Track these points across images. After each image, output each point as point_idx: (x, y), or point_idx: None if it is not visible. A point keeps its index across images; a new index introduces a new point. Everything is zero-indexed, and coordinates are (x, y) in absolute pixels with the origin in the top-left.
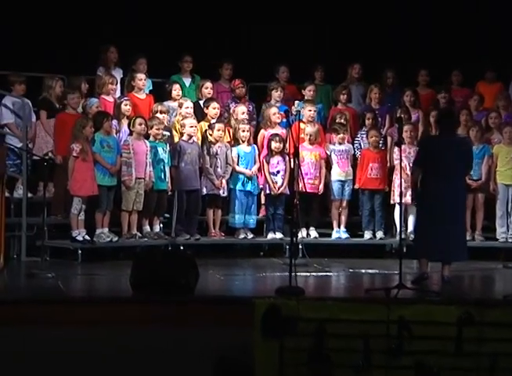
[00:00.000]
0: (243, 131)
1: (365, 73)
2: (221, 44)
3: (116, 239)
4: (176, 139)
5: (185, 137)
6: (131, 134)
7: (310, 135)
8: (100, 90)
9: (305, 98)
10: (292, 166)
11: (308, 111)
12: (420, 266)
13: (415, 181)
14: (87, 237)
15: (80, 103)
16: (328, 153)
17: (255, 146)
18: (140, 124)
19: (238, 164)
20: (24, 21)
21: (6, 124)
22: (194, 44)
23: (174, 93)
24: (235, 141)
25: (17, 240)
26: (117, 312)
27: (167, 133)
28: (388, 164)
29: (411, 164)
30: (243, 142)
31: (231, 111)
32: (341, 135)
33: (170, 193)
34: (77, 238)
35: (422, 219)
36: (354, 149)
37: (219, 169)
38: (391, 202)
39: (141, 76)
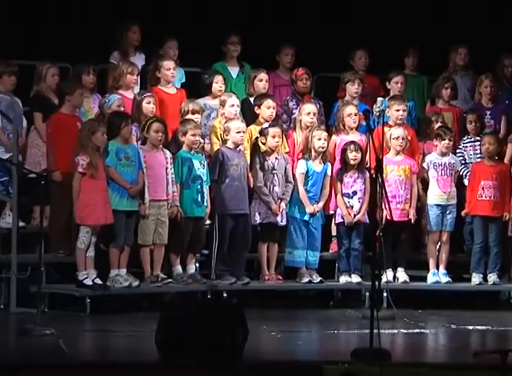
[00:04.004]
0: (319, 139)
1: (473, 59)
2: (276, 22)
3: (136, 283)
4: (216, 148)
5: (229, 144)
6: (143, 143)
7: (399, 139)
8: (116, 83)
9: (391, 93)
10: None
11: (396, 111)
12: None
13: None
14: (98, 281)
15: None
16: (425, 166)
17: (329, 164)
18: (157, 132)
19: (304, 185)
20: None
21: None
22: (242, 22)
23: (215, 87)
24: (305, 152)
25: (5, 284)
26: None
27: (202, 141)
28: None
29: None
30: (318, 155)
31: (295, 111)
32: (446, 143)
33: (208, 221)
34: (85, 282)
35: None
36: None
37: (277, 189)
38: (509, 234)
39: (169, 64)
